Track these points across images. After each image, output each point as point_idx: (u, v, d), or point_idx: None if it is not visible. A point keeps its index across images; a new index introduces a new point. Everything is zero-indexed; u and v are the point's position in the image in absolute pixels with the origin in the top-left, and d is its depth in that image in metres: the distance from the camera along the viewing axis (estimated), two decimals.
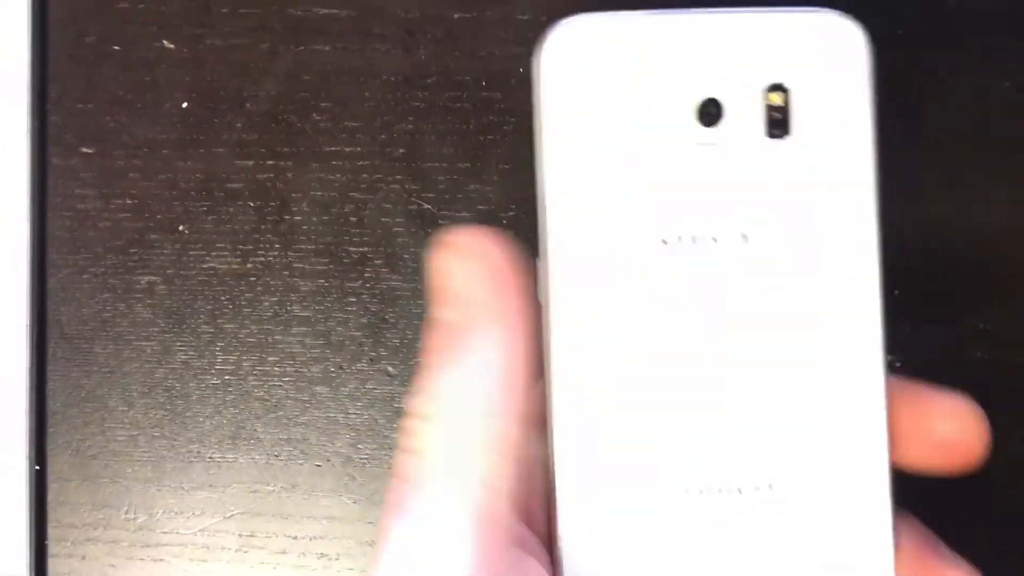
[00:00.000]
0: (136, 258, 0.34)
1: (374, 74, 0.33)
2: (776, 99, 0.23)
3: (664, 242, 0.23)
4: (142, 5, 0.34)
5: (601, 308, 0.22)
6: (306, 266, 0.33)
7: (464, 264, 0.20)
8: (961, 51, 0.32)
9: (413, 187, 0.33)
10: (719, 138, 0.23)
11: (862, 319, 0.23)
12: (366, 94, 0.33)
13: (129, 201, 0.34)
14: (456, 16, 0.33)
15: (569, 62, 0.23)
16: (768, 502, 0.22)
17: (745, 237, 0.23)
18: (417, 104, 0.33)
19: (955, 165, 0.32)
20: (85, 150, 0.34)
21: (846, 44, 0.23)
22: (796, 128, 0.23)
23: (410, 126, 0.33)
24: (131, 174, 0.34)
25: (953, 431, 0.22)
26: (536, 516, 0.21)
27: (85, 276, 0.34)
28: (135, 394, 0.34)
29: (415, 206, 0.33)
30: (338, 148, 0.33)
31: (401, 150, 0.33)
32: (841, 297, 0.23)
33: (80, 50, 0.34)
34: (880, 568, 0.23)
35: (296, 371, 0.33)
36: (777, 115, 0.23)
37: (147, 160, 0.34)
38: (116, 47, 0.34)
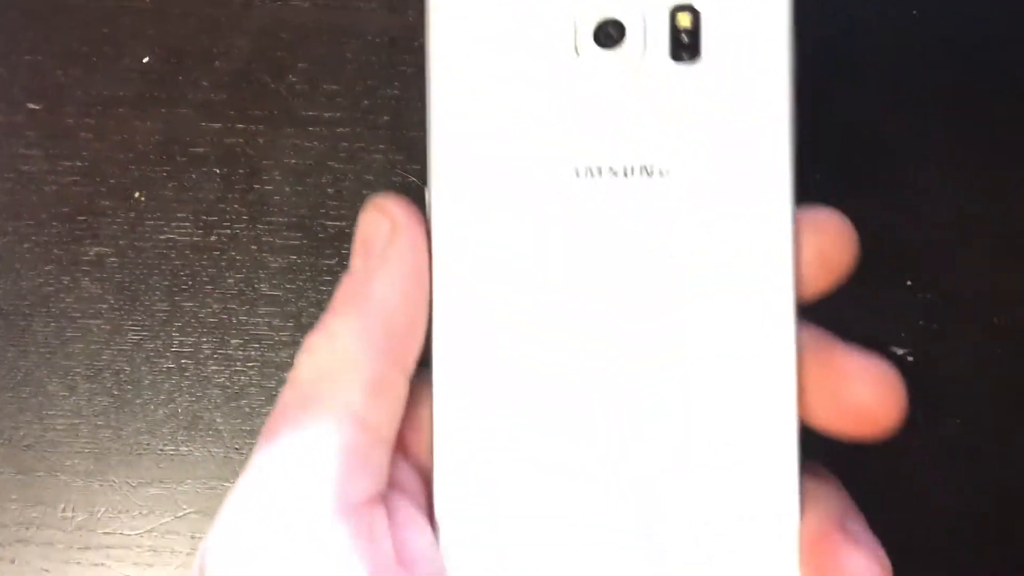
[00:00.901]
0: (85, 227, 0.30)
1: (357, 34, 0.30)
2: (684, 20, 0.21)
3: (558, 174, 0.21)
4: None
5: (484, 241, 0.21)
6: (276, 240, 0.30)
7: (371, 220, 0.22)
8: None
9: (397, 158, 0.30)
10: (620, 61, 0.21)
11: (773, 260, 0.21)
12: (348, 55, 0.30)
13: (79, 163, 0.30)
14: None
15: None
16: (661, 452, 0.21)
17: (647, 169, 0.21)
18: (404, 68, 0.30)
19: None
20: (32, 106, 0.31)
21: None
22: (706, 52, 0.21)
23: (396, 92, 0.30)
24: (82, 134, 0.30)
25: (865, 395, 0.21)
26: (414, 450, 0.22)
27: (26, 245, 0.30)
28: (78, 378, 0.30)
29: (399, 178, 0.30)
30: (316, 113, 0.30)
31: (385, 117, 0.30)
32: (751, 241, 0.21)
33: None
34: (784, 541, 0.21)
35: (262, 356, 0.30)
36: (685, 37, 0.21)
37: (101, 119, 0.30)
38: None
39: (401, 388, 0.21)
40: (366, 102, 0.30)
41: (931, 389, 0.30)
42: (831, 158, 0.30)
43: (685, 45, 0.21)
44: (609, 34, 0.21)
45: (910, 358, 0.30)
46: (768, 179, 0.21)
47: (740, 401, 0.21)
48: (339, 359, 0.21)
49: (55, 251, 0.30)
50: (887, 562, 0.21)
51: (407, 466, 0.22)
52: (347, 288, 0.22)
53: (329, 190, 0.30)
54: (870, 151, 0.30)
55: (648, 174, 0.21)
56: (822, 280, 0.22)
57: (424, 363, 0.22)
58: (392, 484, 0.21)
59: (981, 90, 0.31)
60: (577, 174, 0.21)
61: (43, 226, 0.30)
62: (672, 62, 0.21)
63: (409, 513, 0.21)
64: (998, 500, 0.30)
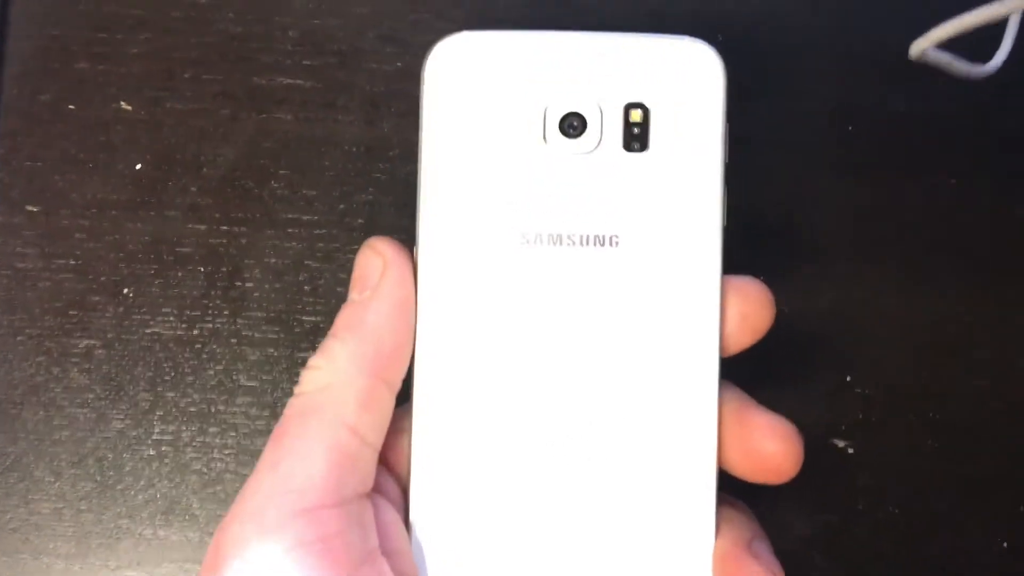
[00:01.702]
0: (75, 320, 0.32)
1: (335, 144, 0.33)
2: (636, 116, 0.25)
3: (524, 238, 0.25)
4: (102, 66, 0.33)
5: (461, 292, 0.25)
6: (255, 334, 0.32)
7: (366, 258, 0.26)
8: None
9: None
10: (581, 149, 0.25)
11: (701, 327, 0.25)
12: (326, 163, 0.33)
13: (72, 262, 0.33)
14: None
15: (449, 73, 0.26)
16: (600, 479, 0.25)
17: (599, 240, 0.25)
18: (378, 175, 0.33)
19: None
20: (30, 208, 0.33)
21: (703, 68, 0.26)
22: (654, 143, 0.25)
23: (370, 197, 0.33)
24: (76, 234, 0.33)
25: (772, 448, 0.25)
26: (397, 467, 0.26)
27: (19, 338, 0.32)
28: (64, 464, 0.32)
29: None
30: (295, 216, 0.33)
31: (360, 220, 0.33)
32: (683, 303, 0.25)
33: (34, 108, 0.33)
34: (701, 559, 0.25)
35: (238, 443, 0.32)
36: (636, 130, 0.25)
37: (95, 221, 0.33)
38: (72, 106, 0.33)
39: (388, 402, 0.25)
40: (342, 206, 0.33)
41: (870, 479, 0.32)
42: (772, 252, 0.32)
43: (635, 137, 0.25)
44: (572, 125, 0.25)
45: (850, 450, 0.32)
46: (700, 250, 0.25)
47: (669, 443, 0.25)
48: (336, 376, 0.24)
49: (47, 343, 0.32)
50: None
51: (389, 477, 0.26)
52: (344, 316, 0.25)
53: (306, 287, 0.32)
54: (808, 251, 0.33)
55: (601, 243, 0.25)
56: (744, 338, 0.26)
57: (404, 396, 0.25)
58: (377, 490, 0.25)
59: (913, 195, 0.33)
60: (541, 240, 0.25)
61: (36, 320, 0.32)
62: (624, 151, 0.25)
63: (390, 515, 0.25)
64: None
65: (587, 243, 0.25)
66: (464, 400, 0.25)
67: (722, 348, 0.25)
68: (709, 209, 0.25)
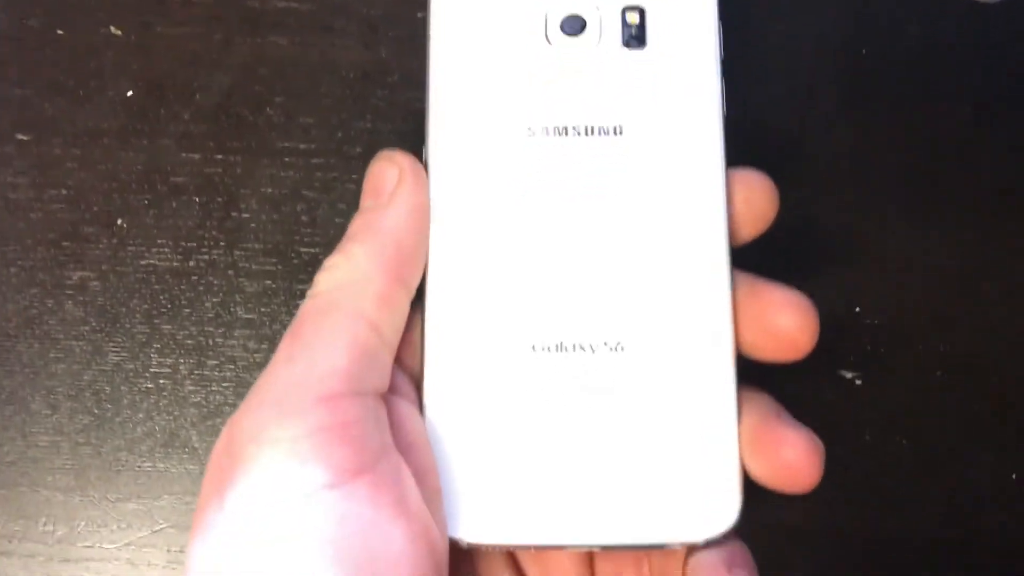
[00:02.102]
0: (69, 252, 0.32)
1: (332, 70, 0.32)
2: (632, 17, 0.27)
3: (531, 132, 0.26)
4: None
5: (472, 187, 0.26)
6: (252, 266, 0.32)
7: (381, 167, 0.26)
8: None
9: None
10: (582, 46, 0.26)
11: (708, 212, 0.25)
12: (323, 89, 0.32)
13: (64, 192, 0.32)
14: (420, 15, 0.32)
15: None
16: (617, 362, 0.25)
17: (604, 130, 0.26)
18: (376, 102, 0.32)
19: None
20: (20, 137, 0.32)
21: None
22: (651, 39, 0.26)
23: (368, 124, 0.32)
24: (68, 163, 0.32)
25: (787, 324, 0.24)
26: (411, 367, 0.26)
27: (12, 270, 0.32)
28: (61, 397, 0.31)
29: None
30: (291, 144, 0.32)
31: (358, 148, 0.32)
32: (690, 188, 0.25)
33: (21, 33, 0.32)
34: (724, 429, 0.25)
35: (237, 376, 0.31)
36: (634, 29, 0.26)
37: (86, 149, 0.32)
38: (60, 31, 0.32)
39: (404, 303, 0.25)
40: (340, 134, 0.32)
41: (879, 410, 0.32)
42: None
43: (633, 36, 0.26)
44: (573, 25, 0.26)
45: (858, 381, 0.32)
46: (703, 138, 0.26)
47: (685, 328, 0.25)
48: (355, 275, 0.24)
49: (40, 275, 0.32)
50: (820, 443, 0.24)
51: (402, 374, 0.25)
52: (360, 221, 0.25)
53: (303, 218, 0.32)
54: (817, 180, 0.32)
55: (606, 133, 0.26)
56: (750, 226, 0.26)
57: (417, 300, 0.25)
58: (392, 388, 0.25)
59: (925, 124, 0.32)
60: (547, 133, 0.26)
61: (29, 251, 0.32)
62: (623, 48, 0.26)
63: (406, 410, 0.25)
64: (942, 514, 0.31)
65: (592, 133, 0.26)
66: (476, 293, 0.25)
67: (732, 235, 0.25)
68: (708, 100, 0.26)
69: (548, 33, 0.26)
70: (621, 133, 0.26)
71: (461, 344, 0.25)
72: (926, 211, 0.32)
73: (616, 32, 0.26)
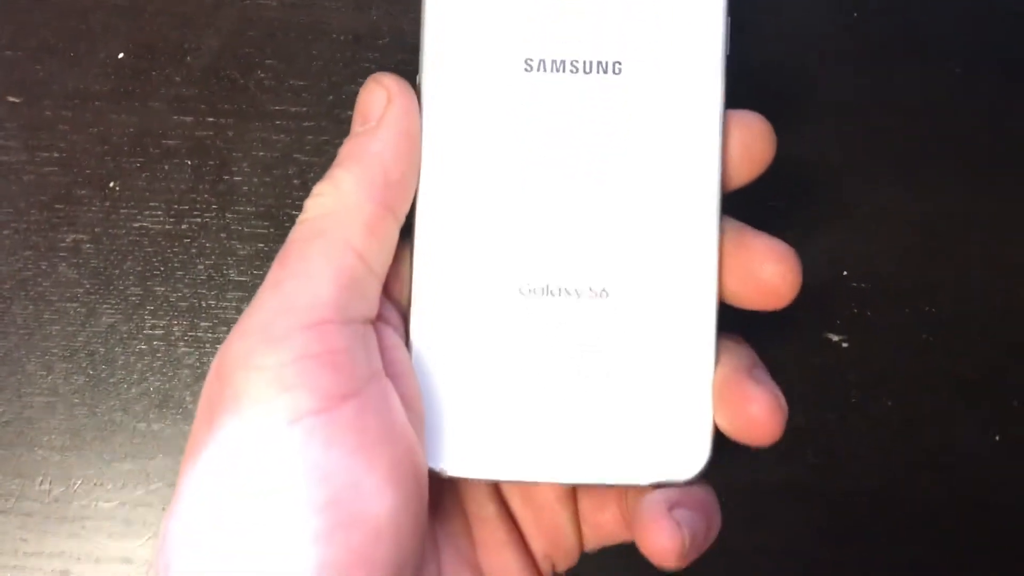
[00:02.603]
0: (62, 215, 0.32)
1: (323, 32, 0.32)
2: None
3: (527, 65, 0.26)
4: None
5: (464, 121, 0.26)
6: (244, 229, 0.32)
7: (370, 91, 0.26)
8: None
9: None
10: None
11: (703, 158, 0.25)
12: (314, 52, 0.32)
13: (56, 154, 0.32)
14: None
15: None
16: (601, 307, 0.25)
17: (603, 66, 0.26)
18: (367, 65, 0.32)
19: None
20: (11, 99, 0.32)
21: None
22: None
23: (359, 88, 0.32)
24: (60, 126, 0.32)
25: (771, 273, 0.25)
26: (399, 296, 0.26)
27: (5, 232, 0.32)
28: (55, 358, 0.32)
29: None
30: (283, 108, 0.32)
31: (349, 112, 0.31)
32: (686, 130, 0.25)
33: None
34: (700, 378, 0.25)
35: None
36: None
37: (77, 112, 0.32)
38: None
39: (393, 231, 0.25)
40: (331, 97, 0.32)
41: (865, 372, 0.32)
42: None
43: None
44: None
45: (845, 344, 0.32)
46: (703, 78, 0.26)
47: (670, 270, 0.25)
48: (342, 202, 0.24)
49: (33, 238, 0.32)
50: (784, 404, 0.25)
51: (390, 305, 0.26)
52: (349, 146, 0.25)
53: (295, 181, 0.32)
54: (805, 142, 0.32)
55: (604, 70, 0.26)
56: (747, 169, 0.26)
57: (406, 229, 0.25)
58: (379, 318, 0.25)
59: (913, 85, 0.32)
60: (544, 67, 0.26)
61: (22, 214, 0.32)
62: None
63: (393, 339, 0.25)
64: (927, 475, 0.32)
65: (590, 69, 0.26)
66: (465, 226, 0.26)
67: (726, 178, 0.26)
68: (712, 39, 0.26)
69: None
70: (619, 72, 0.26)
71: (448, 281, 0.26)
72: (913, 174, 0.32)
73: None
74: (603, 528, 0.28)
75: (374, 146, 0.25)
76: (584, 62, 0.26)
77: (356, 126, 0.26)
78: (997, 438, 0.32)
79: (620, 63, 0.26)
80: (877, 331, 0.32)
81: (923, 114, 0.32)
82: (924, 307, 0.32)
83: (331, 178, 0.25)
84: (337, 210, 0.24)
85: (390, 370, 0.24)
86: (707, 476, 0.25)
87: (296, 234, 0.24)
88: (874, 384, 0.32)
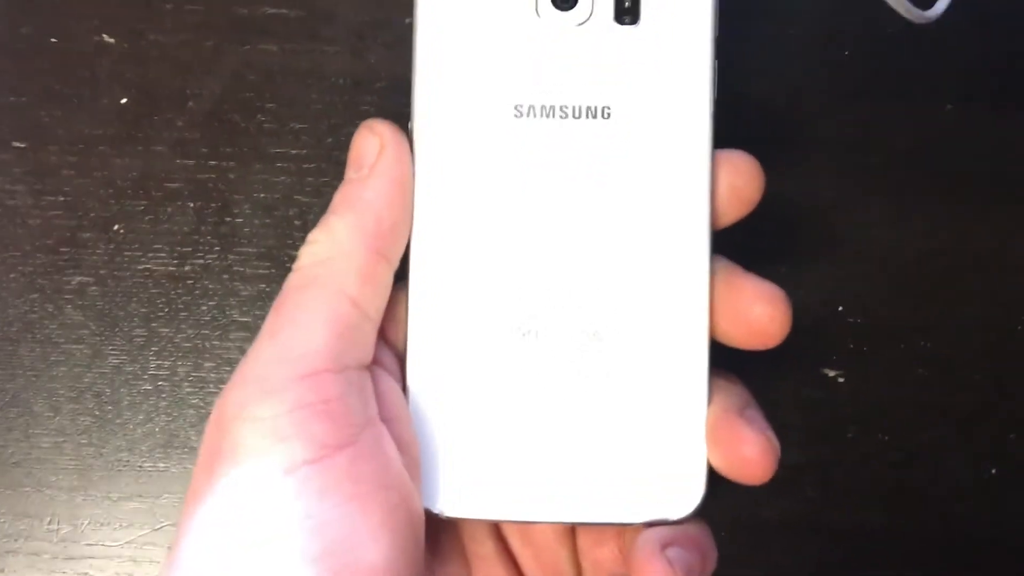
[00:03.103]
0: (67, 257, 0.32)
1: (322, 76, 0.32)
2: None
3: (517, 111, 0.26)
4: None
5: (456, 166, 0.26)
6: (247, 270, 0.32)
7: (363, 139, 0.26)
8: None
9: None
10: (573, 21, 0.26)
11: (692, 202, 0.26)
12: (313, 96, 0.32)
13: (61, 198, 0.32)
14: (407, 21, 0.32)
15: None
16: (594, 349, 0.26)
17: (592, 112, 0.26)
18: (365, 108, 0.32)
19: None
20: (17, 144, 0.33)
21: None
22: (645, 15, 0.26)
23: None
24: (64, 171, 0.32)
25: (760, 315, 0.25)
26: (396, 341, 0.26)
27: (12, 275, 0.32)
28: (62, 399, 0.32)
29: None
30: (283, 150, 0.32)
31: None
32: (675, 174, 0.26)
33: (15, 42, 0.33)
34: (693, 418, 0.26)
35: None
36: (627, 3, 0.26)
37: (82, 157, 0.32)
38: (53, 39, 0.33)
39: (386, 277, 0.25)
40: (330, 139, 0.32)
41: (861, 407, 0.32)
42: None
43: (626, 9, 0.26)
44: None
45: (841, 379, 0.32)
46: (691, 122, 0.26)
47: (662, 313, 0.26)
48: (336, 250, 0.25)
49: (39, 281, 0.32)
50: (776, 444, 0.25)
51: (388, 351, 0.26)
52: (342, 193, 0.26)
53: (296, 222, 0.32)
54: (799, 178, 0.32)
55: (593, 115, 0.26)
56: (735, 209, 0.26)
57: (402, 273, 0.26)
58: (376, 363, 0.25)
59: (907, 120, 0.32)
60: (534, 113, 0.26)
61: (28, 257, 0.32)
62: (615, 24, 0.26)
63: (389, 384, 0.26)
64: (923, 509, 0.32)
65: (579, 115, 0.26)
66: (459, 270, 0.26)
67: (715, 218, 0.26)
68: (699, 81, 0.26)
69: (538, 6, 0.26)
70: (608, 116, 0.26)
71: (443, 324, 0.26)
72: (908, 209, 0.32)
73: (608, 6, 0.26)
74: (602, 564, 0.28)
75: (367, 194, 0.25)
76: (573, 107, 0.26)
77: (350, 172, 0.26)
78: (993, 471, 0.32)
79: (609, 108, 0.26)
80: (873, 366, 0.32)
81: (915, 151, 0.32)
82: (919, 342, 0.32)
83: (325, 225, 0.25)
84: (331, 258, 0.25)
85: (385, 414, 0.25)
86: (702, 513, 0.26)
87: (291, 282, 0.25)
88: (870, 418, 0.32)
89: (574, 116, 0.26)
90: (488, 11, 0.26)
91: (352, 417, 0.23)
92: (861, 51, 0.32)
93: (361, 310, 0.24)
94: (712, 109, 0.26)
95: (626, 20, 0.26)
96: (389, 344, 0.26)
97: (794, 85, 0.32)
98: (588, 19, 0.26)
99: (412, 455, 0.25)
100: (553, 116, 0.26)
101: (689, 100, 0.26)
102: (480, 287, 0.26)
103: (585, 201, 0.26)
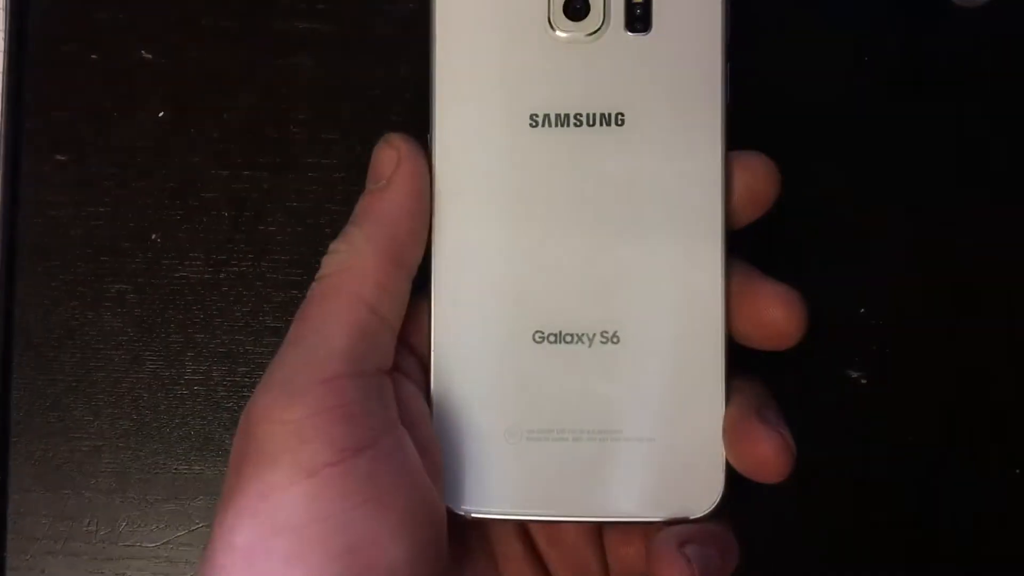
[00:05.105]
0: (107, 266, 0.33)
1: (353, 88, 0.33)
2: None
3: (533, 121, 0.27)
4: (122, 15, 0.34)
5: (475, 176, 0.27)
6: (279, 277, 0.33)
7: (383, 152, 0.27)
8: None
9: None
10: (585, 30, 0.27)
11: (706, 206, 0.26)
12: (344, 107, 0.33)
13: (102, 209, 0.33)
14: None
15: None
16: (613, 352, 0.26)
17: (606, 119, 0.26)
18: (395, 119, 0.33)
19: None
20: (59, 157, 0.34)
21: None
22: (656, 24, 0.26)
23: None
24: (104, 182, 0.34)
25: (777, 316, 0.26)
26: (419, 349, 0.27)
27: (54, 284, 0.33)
28: (101, 404, 0.33)
29: None
30: (315, 160, 0.33)
31: None
32: (689, 179, 0.26)
33: (58, 58, 0.34)
34: (711, 418, 0.26)
35: None
36: (638, 11, 0.26)
37: (121, 168, 0.33)
38: (94, 56, 0.34)
39: (404, 284, 0.26)
40: (360, 149, 0.33)
41: (884, 409, 0.33)
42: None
43: (638, 18, 0.27)
44: (576, 9, 0.27)
45: (864, 380, 0.33)
46: (704, 126, 0.26)
47: (680, 316, 0.26)
48: (355, 259, 0.26)
49: (80, 288, 0.33)
50: (792, 443, 0.25)
51: (410, 357, 0.27)
52: (362, 204, 0.27)
53: (327, 230, 0.33)
54: (830, 185, 0.33)
55: (607, 123, 0.26)
56: (751, 210, 0.27)
57: (424, 280, 0.27)
58: (399, 370, 0.26)
59: (933, 123, 0.33)
60: (549, 122, 0.26)
61: (69, 265, 0.33)
62: (627, 32, 0.26)
63: (411, 389, 0.26)
64: (951, 507, 0.32)
65: (594, 122, 0.26)
66: (481, 277, 0.27)
67: (731, 221, 0.26)
68: (711, 86, 0.26)
69: (551, 16, 0.27)
70: (622, 123, 0.26)
71: (465, 330, 0.27)
72: (932, 212, 0.33)
73: (620, 16, 0.27)
74: (629, 563, 0.28)
75: (384, 205, 0.26)
76: (587, 115, 0.26)
77: (369, 183, 0.27)
78: (1017, 471, 0.32)
79: (622, 115, 0.26)
80: (897, 368, 0.32)
81: (936, 151, 0.33)
82: (942, 343, 0.32)
83: (345, 235, 0.26)
84: (351, 266, 0.26)
85: (406, 419, 0.25)
86: (722, 512, 0.26)
87: (314, 291, 0.26)
88: (895, 420, 0.32)
89: (588, 124, 0.26)
90: (503, 24, 0.27)
91: (371, 420, 0.24)
92: (880, 51, 0.33)
93: (379, 316, 0.25)
94: (725, 112, 0.26)
95: (638, 28, 0.26)
96: (412, 352, 0.27)
97: (816, 85, 0.33)
98: (600, 28, 0.27)
99: (433, 458, 0.26)
100: (568, 125, 0.26)
101: (701, 104, 0.26)
102: (501, 293, 0.27)
103: (601, 207, 0.26)
